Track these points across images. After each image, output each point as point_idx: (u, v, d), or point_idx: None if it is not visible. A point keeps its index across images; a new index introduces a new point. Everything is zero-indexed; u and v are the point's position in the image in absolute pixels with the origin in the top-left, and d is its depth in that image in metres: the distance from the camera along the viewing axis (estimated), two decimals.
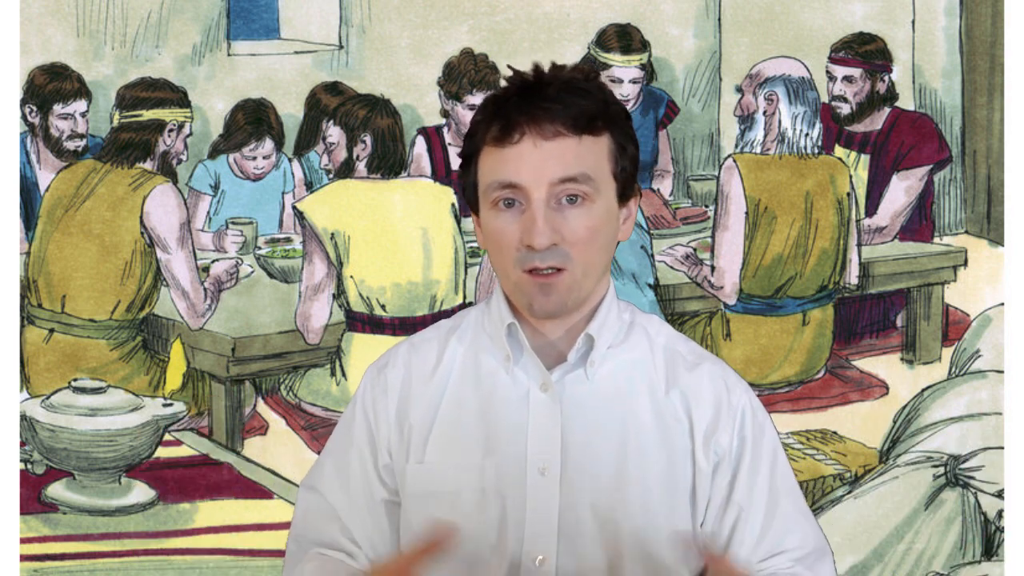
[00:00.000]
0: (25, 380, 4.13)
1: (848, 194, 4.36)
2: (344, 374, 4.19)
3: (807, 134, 4.35)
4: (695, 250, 4.39)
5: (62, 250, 4.12)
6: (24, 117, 4.19)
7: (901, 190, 4.48)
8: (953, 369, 4.40)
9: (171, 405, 4.07)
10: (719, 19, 4.51)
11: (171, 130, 4.18)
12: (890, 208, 4.48)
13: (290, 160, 4.39)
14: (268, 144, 4.34)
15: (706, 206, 4.56)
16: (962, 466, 4.20)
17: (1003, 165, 4.38)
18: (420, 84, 4.35)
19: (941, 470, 4.20)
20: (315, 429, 4.21)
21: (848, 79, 4.44)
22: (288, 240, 4.35)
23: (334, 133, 4.22)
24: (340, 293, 4.18)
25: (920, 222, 4.50)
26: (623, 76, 4.45)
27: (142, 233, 4.13)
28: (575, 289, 1.97)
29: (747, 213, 4.31)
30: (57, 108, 4.19)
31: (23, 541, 3.90)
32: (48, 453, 4.00)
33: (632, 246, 4.23)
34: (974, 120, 4.52)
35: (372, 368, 2.12)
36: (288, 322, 4.19)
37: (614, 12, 4.38)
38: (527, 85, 1.97)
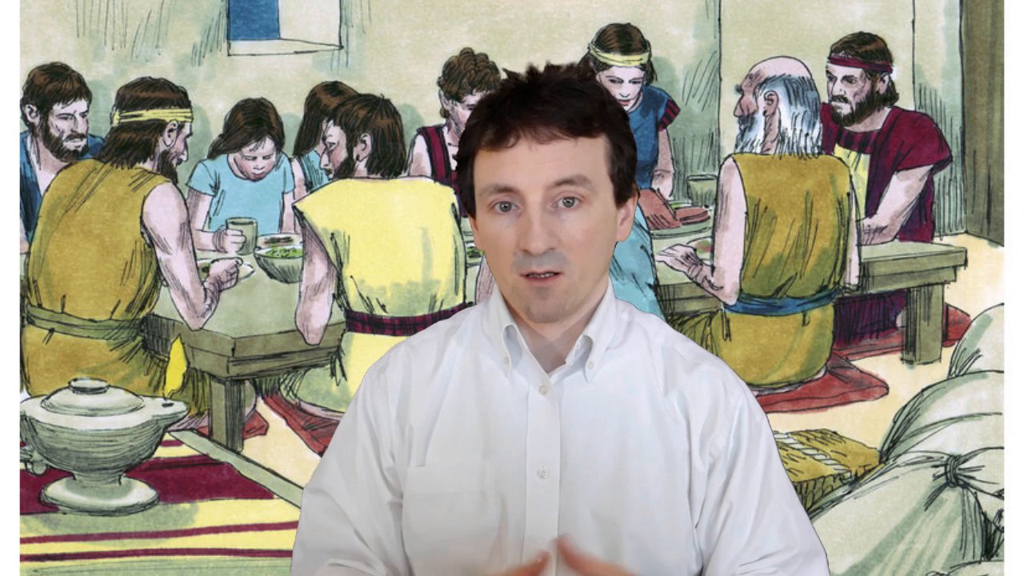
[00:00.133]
0: (25, 380, 4.13)
1: (848, 194, 4.36)
2: (344, 374, 4.19)
3: (807, 134, 4.35)
4: (695, 250, 4.39)
5: (62, 250, 4.12)
6: (24, 117, 4.19)
7: (901, 190, 4.48)
8: (953, 369, 4.40)
9: (171, 405, 4.07)
10: (719, 19, 4.51)
11: (171, 130, 4.18)
12: (890, 208, 4.48)
13: (290, 160, 4.39)
14: (268, 144, 4.34)
15: (706, 206, 4.56)
16: (962, 466, 4.20)
17: (1003, 165, 4.38)
18: (420, 84, 4.35)
19: (941, 470, 4.20)
20: (315, 429, 4.21)
21: (848, 79, 4.44)
22: (288, 240, 4.35)
23: (334, 133, 4.22)
24: (340, 293, 4.18)
25: (920, 222, 4.50)
26: (623, 76, 4.45)
27: (142, 233, 4.13)
28: (572, 292, 1.97)
29: (747, 213, 4.31)
30: (57, 108, 4.19)
31: (23, 541, 3.90)
32: (48, 453, 4.00)
33: (632, 246, 4.23)
34: (974, 120, 4.52)
35: (372, 370, 2.12)
36: (288, 322, 4.19)
37: (614, 12, 4.38)
38: (521, 87, 1.96)
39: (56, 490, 4.03)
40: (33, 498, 4.01)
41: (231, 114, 4.31)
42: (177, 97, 4.20)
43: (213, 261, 4.26)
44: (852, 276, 4.39)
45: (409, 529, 2.05)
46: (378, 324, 4.17)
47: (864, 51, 4.42)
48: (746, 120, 4.38)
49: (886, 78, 4.45)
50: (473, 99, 4.25)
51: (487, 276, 4.21)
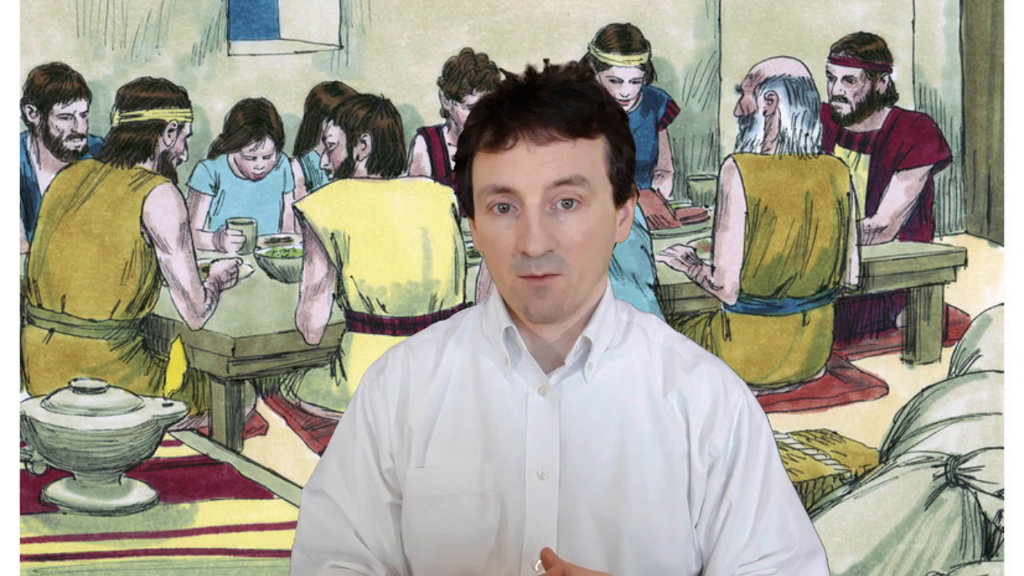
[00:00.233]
0: (25, 380, 4.13)
1: (848, 194, 4.36)
2: (344, 374, 4.19)
3: (807, 134, 4.35)
4: (695, 250, 4.38)
5: (62, 250, 4.12)
6: (24, 117, 4.19)
7: (901, 190, 4.48)
8: (953, 369, 4.40)
9: (171, 405, 4.07)
10: (719, 19, 4.51)
11: (171, 130, 4.18)
12: (890, 208, 4.48)
13: (290, 160, 4.39)
14: (268, 144, 4.34)
15: (706, 206, 4.56)
16: (962, 466, 4.19)
17: (1003, 165, 4.37)
18: (420, 84, 4.35)
19: (941, 470, 4.20)
20: (315, 429, 4.21)
21: (848, 79, 4.44)
22: (288, 240, 4.35)
23: (334, 133, 4.22)
24: (340, 293, 4.18)
25: (920, 222, 4.50)
26: (623, 76, 4.44)
27: (142, 233, 4.13)
28: (571, 293, 1.96)
29: (747, 213, 4.31)
30: (57, 108, 4.19)
31: (23, 541, 3.90)
32: (48, 453, 4.00)
33: (632, 246, 4.23)
34: (974, 120, 4.52)
35: (370, 371, 2.11)
36: (288, 322, 4.19)
37: (614, 12, 4.38)
38: (520, 88, 1.96)
39: (56, 490, 4.03)
40: (33, 498, 4.01)
41: (231, 114, 4.31)
42: (177, 97, 4.20)
43: (213, 261, 4.26)
44: (852, 276, 4.39)
45: (408, 531, 2.05)
46: (378, 324, 4.17)
47: (864, 51, 4.42)
48: (746, 120, 4.38)
49: (886, 78, 4.45)
50: (473, 99, 4.25)
51: (487, 276, 4.21)
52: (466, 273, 4.23)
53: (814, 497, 4.21)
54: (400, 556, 2.07)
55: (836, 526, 4.17)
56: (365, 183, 4.20)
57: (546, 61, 2.00)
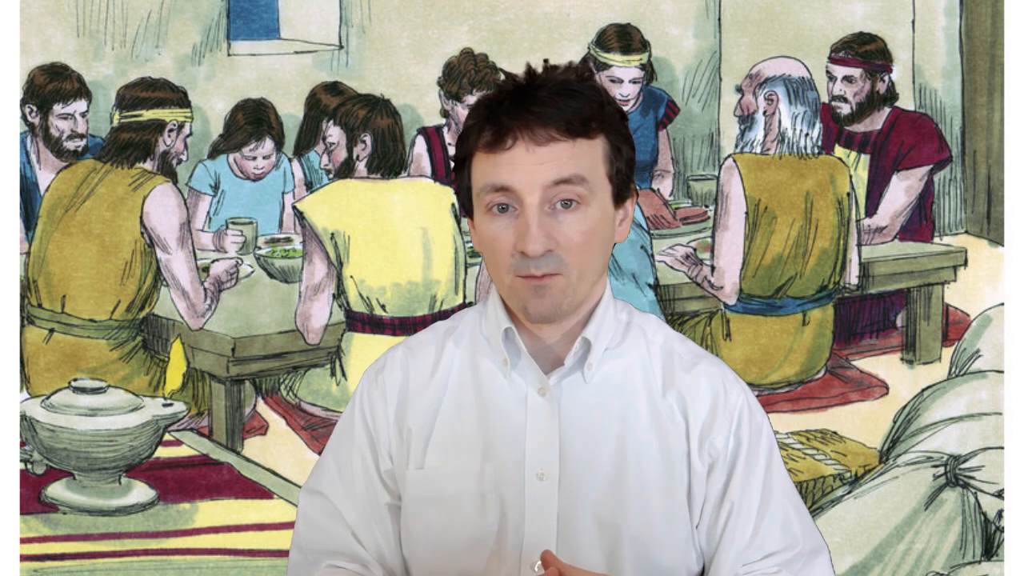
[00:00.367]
0: (25, 380, 4.13)
1: (848, 194, 4.35)
2: (344, 374, 4.19)
3: (807, 134, 4.35)
4: (695, 250, 4.38)
5: (62, 250, 4.12)
6: (24, 117, 4.19)
7: (901, 190, 4.48)
8: (953, 369, 4.40)
9: (171, 405, 4.07)
10: (719, 19, 4.51)
11: (171, 130, 4.18)
12: (890, 208, 4.48)
13: (290, 160, 4.39)
14: (268, 144, 4.34)
15: (706, 206, 4.56)
16: (962, 466, 4.19)
17: (1003, 165, 4.37)
18: (420, 84, 4.35)
19: (941, 470, 4.20)
20: (315, 429, 4.21)
21: (848, 79, 4.44)
22: (288, 240, 4.35)
23: (334, 133, 4.22)
24: (340, 293, 4.18)
25: (920, 222, 4.50)
26: (623, 76, 4.44)
27: (142, 233, 4.13)
28: (570, 293, 1.96)
29: (747, 213, 4.31)
30: (57, 108, 4.19)
31: (23, 541, 3.90)
32: (48, 453, 4.00)
33: (632, 246, 4.23)
34: (974, 120, 4.52)
35: (369, 372, 2.11)
36: (288, 322, 4.19)
37: (614, 12, 4.38)
38: (519, 88, 1.95)
39: (56, 490, 4.03)
40: (33, 498, 4.01)
41: (231, 114, 4.31)
42: (177, 97, 4.20)
43: (213, 261, 4.26)
44: (852, 276, 4.39)
45: (407, 532, 2.05)
46: (378, 324, 4.17)
47: (864, 51, 4.42)
48: (746, 120, 4.38)
49: (886, 78, 4.45)
50: (473, 99, 4.25)
51: (487, 276, 4.20)
52: (466, 273, 4.23)
53: (814, 497, 4.21)
54: (398, 557, 2.07)
55: (836, 526, 4.17)
56: (365, 183, 4.20)
57: (546, 61, 2.00)
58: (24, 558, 3.90)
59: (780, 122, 4.34)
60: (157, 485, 4.07)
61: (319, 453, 4.09)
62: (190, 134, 4.22)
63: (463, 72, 4.32)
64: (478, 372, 2.04)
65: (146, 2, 4.25)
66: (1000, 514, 4.14)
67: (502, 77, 2.00)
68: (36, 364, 4.13)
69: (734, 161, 4.33)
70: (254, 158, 4.34)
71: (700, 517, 2.03)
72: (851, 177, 4.38)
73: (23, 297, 4.14)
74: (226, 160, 4.36)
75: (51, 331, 4.14)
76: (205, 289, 4.18)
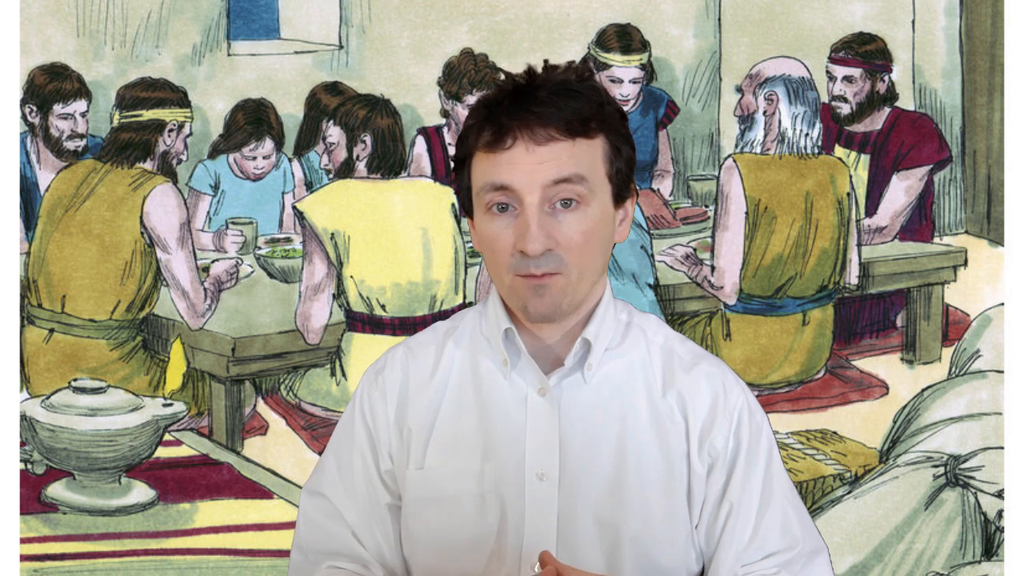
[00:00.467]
0: (25, 380, 4.13)
1: (848, 194, 4.35)
2: (344, 374, 4.19)
3: (807, 134, 4.35)
4: (695, 250, 4.38)
5: (62, 250, 4.12)
6: (24, 117, 4.19)
7: (901, 190, 4.48)
8: (953, 369, 4.40)
9: (171, 405, 4.07)
10: (719, 19, 4.51)
11: (171, 130, 4.18)
12: (890, 208, 4.48)
13: (290, 160, 4.39)
14: (268, 144, 4.34)
15: (706, 206, 4.56)
16: (962, 466, 4.19)
17: (1003, 165, 4.37)
18: (420, 84, 4.35)
19: (941, 470, 4.20)
20: (315, 429, 4.21)
21: (848, 79, 4.44)
22: (288, 240, 4.35)
23: (334, 133, 4.22)
24: (340, 293, 4.18)
25: (920, 222, 4.50)
26: (623, 76, 4.44)
27: (142, 233, 4.13)
28: (570, 292, 1.96)
29: (747, 213, 4.31)
30: (57, 108, 4.19)
31: (23, 541, 3.90)
32: (48, 453, 4.00)
33: (632, 246, 4.23)
34: (974, 120, 4.52)
35: (369, 372, 2.11)
36: (288, 322, 4.19)
37: (614, 12, 4.38)
38: (519, 88, 1.95)
39: (56, 490, 4.03)
40: (33, 498, 4.01)
41: (231, 114, 4.31)
42: (177, 97, 4.20)
43: (213, 261, 4.26)
44: (852, 276, 4.39)
45: (408, 532, 2.05)
46: (378, 324, 4.17)
47: (864, 51, 4.42)
48: (746, 120, 4.38)
49: (886, 78, 4.45)
50: (473, 99, 4.25)
51: (487, 276, 4.20)
52: (466, 273, 4.23)
53: (814, 497, 4.21)
54: (398, 557, 2.07)
55: (836, 526, 4.17)
56: (365, 183, 4.20)
57: (546, 61, 2.00)
58: (24, 558, 3.90)
59: (780, 122, 4.34)
60: (157, 485, 4.07)
61: (319, 453, 4.10)
62: (190, 134, 4.22)
63: (463, 72, 4.32)
64: (478, 372, 2.04)
65: (146, 2, 4.25)
66: (1000, 514, 4.14)
67: (502, 77, 2.00)
68: (36, 364, 4.13)
69: (734, 161, 4.33)
70: (254, 158, 4.34)
71: (700, 517, 2.03)
72: (851, 177, 4.38)
73: (23, 297, 4.14)
74: (226, 160, 4.36)
75: (51, 331, 4.14)
76: (205, 289, 4.18)
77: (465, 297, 4.23)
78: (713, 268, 4.35)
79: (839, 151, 4.48)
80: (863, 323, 4.54)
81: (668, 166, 4.61)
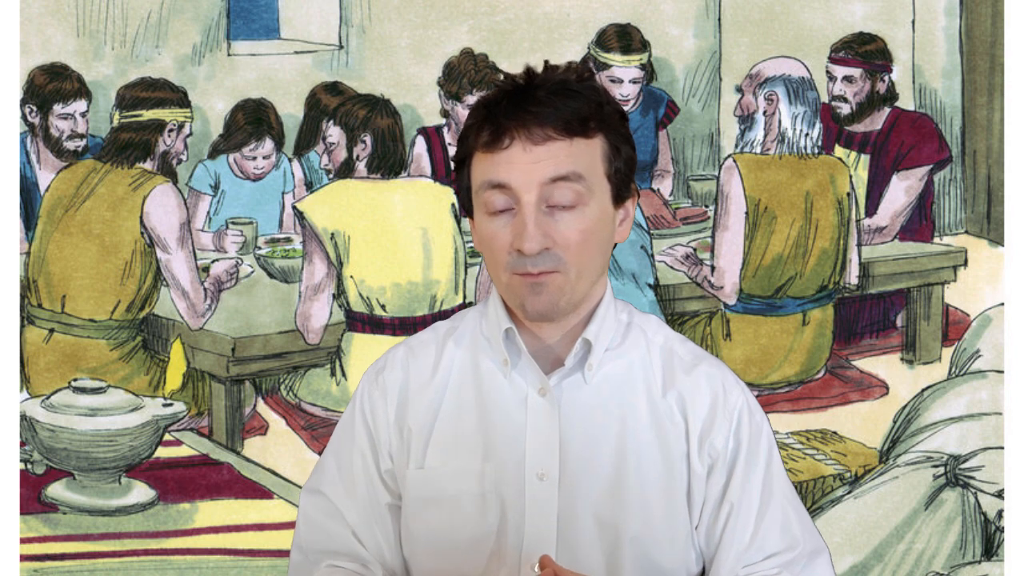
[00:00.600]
0: (25, 380, 4.13)
1: (848, 194, 4.36)
2: (344, 374, 4.19)
3: (807, 134, 4.35)
4: (695, 250, 4.38)
5: (62, 250, 4.12)
6: (24, 117, 4.19)
7: (901, 190, 4.48)
8: (953, 369, 4.40)
9: (171, 405, 4.07)
10: (719, 19, 4.51)
11: (171, 130, 4.18)
12: (890, 208, 4.48)
13: (290, 160, 4.39)
14: (268, 144, 4.34)
15: (706, 206, 4.56)
16: (962, 466, 4.19)
17: (1003, 165, 4.37)
18: (420, 84, 4.35)
19: (941, 470, 4.20)
20: (315, 429, 4.21)
21: (848, 79, 4.44)
22: (288, 240, 4.35)
23: (334, 133, 4.22)
24: (340, 293, 4.18)
25: (920, 222, 4.50)
26: (623, 76, 4.44)
27: (142, 233, 4.13)
28: (568, 291, 1.96)
29: (747, 213, 4.31)
30: (57, 108, 4.19)
31: (23, 541, 3.90)
32: (48, 453, 4.00)
33: (632, 246, 4.23)
34: (974, 120, 4.52)
35: (369, 371, 2.11)
36: (288, 322, 4.19)
37: (614, 12, 4.38)
38: (517, 88, 1.96)
39: (56, 490, 4.03)
40: (33, 498, 4.01)
41: (231, 114, 4.31)
42: (177, 97, 4.20)
43: (213, 261, 4.26)
44: (852, 276, 4.39)
45: (408, 532, 2.05)
46: (378, 324, 4.17)
47: (864, 51, 4.42)
48: (746, 120, 4.38)
49: (886, 78, 4.45)
50: (473, 99, 4.24)
51: (487, 276, 4.21)
52: (466, 273, 4.23)
53: (814, 497, 4.21)
54: (398, 557, 2.07)
55: (836, 526, 4.17)
56: (365, 183, 4.20)
57: (546, 62, 2.00)
58: (24, 558, 3.90)
59: (780, 122, 4.34)
60: (157, 485, 4.07)
61: (319, 453, 4.10)
62: (190, 134, 4.22)
63: (463, 72, 4.32)
64: (479, 372, 2.04)
65: (146, 2, 4.25)
66: (1000, 514, 4.14)
67: (502, 77, 2.00)
68: (36, 364, 4.13)
69: (734, 161, 4.33)
70: (254, 158, 4.34)
71: (700, 518, 2.03)
72: (851, 177, 4.38)
73: (23, 297, 4.14)
74: (226, 160, 4.36)
75: (51, 331, 4.14)
76: (205, 289, 4.18)
77: (465, 297, 4.23)
78: (713, 268, 4.35)
79: (839, 151, 4.48)
80: (863, 323, 4.54)
81: (668, 166, 4.61)
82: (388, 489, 2.06)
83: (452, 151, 4.36)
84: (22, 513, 3.95)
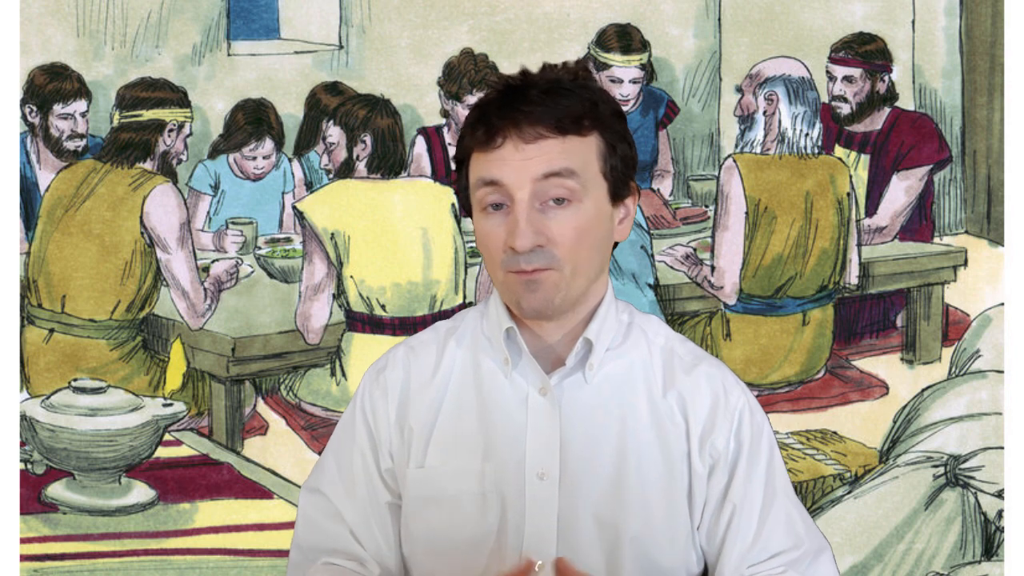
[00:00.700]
0: (25, 380, 4.13)
1: (848, 194, 4.36)
2: (344, 374, 4.19)
3: (807, 134, 4.35)
4: (695, 250, 4.38)
5: (62, 250, 4.12)
6: (24, 117, 4.19)
7: (901, 190, 4.48)
8: (953, 369, 4.40)
9: (171, 405, 4.07)
10: (719, 19, 4.51)
11: (171, 130, 4.18)
12: (890, 208, 4.48)
13: (290, 160, 4.39)
14: (268, 144, 4.34)
15: (706, 206, 4.56)
16: (962, 466, 4.19)
17: (1003, 165, 4.37)
18: (420, 84, 4.35)
19: (941, 470, 4.20)
20: (315, 429, 4.21)
21: (848, 79, 4.44)
22: (288, 240, 4.35)
23: (334, 133, 4.22)
24: (340, 293, 4.18)
25: (920, 222, 4.50)
26: (623, 76, 4.44)
27: (142, 233, 4.13)
28: (563, 288, 1.96)
29: (747, 213, 4.31)
30: (57, 108, 4.19)
31: (23, 541, 3.90)
32: (48, 453, 4.00)
33: (632, 246, 4.23)
34: (974, 120, 4.52)
35: (371, 371, 2.11)
36: (288, 322, 4.19)
37: (614, 12, 4.38)
38: (511, 88, 1.97)
39: (56, 490, 4.03)
40: (33, 498, 4.01)
41: (231, 114, 4.31)
42: (177, 97, 4.20)
43: (213, 261, 4.26)
44: (852, 276, 4.39)
45: (408, 531, 2.05)
46: (378, 324, 4.17)
47: (864, 51, 4.42)
48: (746, 120, 4.38)
49: (886, 78, 4.45)
50: (473, 99, 4.24)
51: (487, 276, 4.21)
52: (466, 273, 4.23)
53: (814, 497, 4.21)
54: (397, 557, 2.07)
55: (836, 526, 4.17)
56: (365, 183, 4.20)
57: (545, 63, 2.01)
58: (24, 558, 3.90)
59: (780, 122, 4.34)
60: (157, 485, 4.07)
61: (319, 453, 4.09)
62: (190, 134, 4.22)
63: (463, 72, 4.32)
64: (479, 372, 2.04)
65: (146, 2, 4.25)
66: (1000, 514, 4.14)
67: (492, 82, 2.01)
68: (36, 364, 4.13)
69: (734, 161, 4.33)
70: (254, 158, 4.34)
71: (701, 519, 2.03)
72: (851, 177, 4.38)
73: (23, 297, 4.14)
74: (226, 160, 4.36)
75: (51, 331, 4.14)
76: (205, 289, 4.18)
77: (465, 297, 4.23)
78: (713, 268, 4.35)
79: (839, 151, 4.48)
80: (863, 323, 4.54)
81: (668, 166, 4.61)
82: (388, 488, 2.06)
83: (452, 151, 4.37)
84: (22, 513, 3.95)
